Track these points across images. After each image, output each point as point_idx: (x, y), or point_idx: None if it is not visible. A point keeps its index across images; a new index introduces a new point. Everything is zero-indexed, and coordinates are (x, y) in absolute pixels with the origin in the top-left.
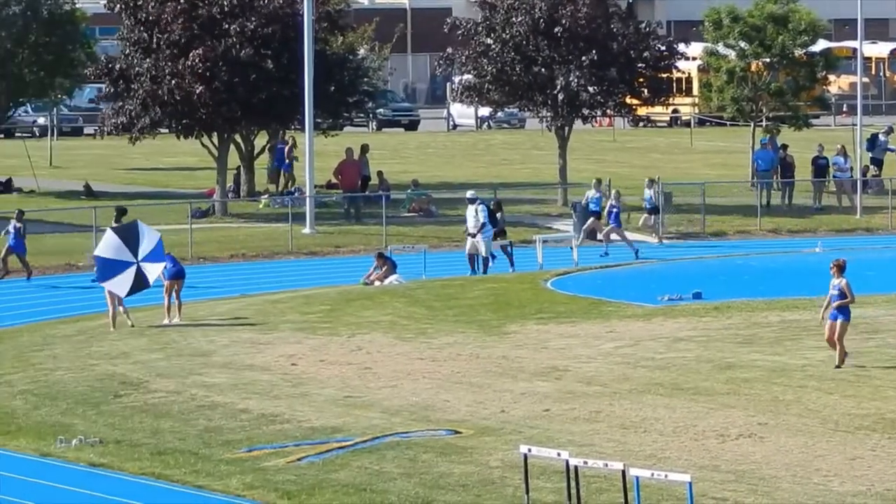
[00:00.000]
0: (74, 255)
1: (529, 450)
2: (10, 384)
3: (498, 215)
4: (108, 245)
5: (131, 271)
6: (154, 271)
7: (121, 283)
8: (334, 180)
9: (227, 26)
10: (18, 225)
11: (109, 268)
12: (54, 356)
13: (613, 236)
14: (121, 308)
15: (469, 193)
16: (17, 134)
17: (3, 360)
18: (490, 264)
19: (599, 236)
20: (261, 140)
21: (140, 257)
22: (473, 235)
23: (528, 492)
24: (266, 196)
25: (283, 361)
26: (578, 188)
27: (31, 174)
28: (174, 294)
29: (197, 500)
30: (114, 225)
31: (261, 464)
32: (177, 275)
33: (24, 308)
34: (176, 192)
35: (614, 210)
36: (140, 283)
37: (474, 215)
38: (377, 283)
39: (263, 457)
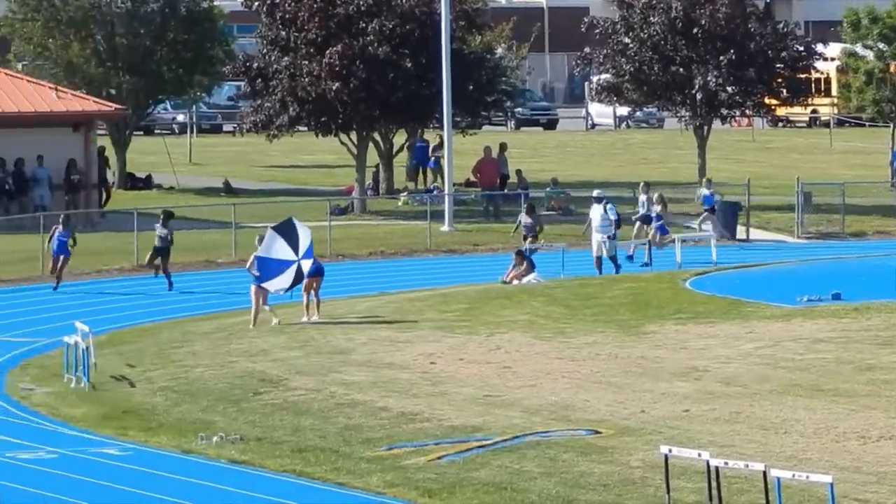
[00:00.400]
0: (214, 251)
1: (670, 450)
2: (151, 381)
3: (530, 219)
4: (270, 245)
5: (293, 269)
6: (307, 267)
7: (281, 282)
8: (473, 178)
9: (363, 25)
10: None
11: (271, 268)
12: (194, 353)
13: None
14: (266, 307)
15: (595, 192)
16: (156, 131)
17: (143, 357)
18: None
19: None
20: (399, 138)
21: (300, 255)
22: (613, 237)
23: (668, 492)
24: (405, 194)
25: (422, 360)
26: (719, 188)
27: (170, 171)
28: (313, 292)
29: (338, 497)
30: (272, 224)
31: (401, 462)
32: (316, 272)
33: (164, 305)
34: (315, 189)
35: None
36: (298, 279)
37: (603, 214)
38: (515, 282)
39: (404, 455)
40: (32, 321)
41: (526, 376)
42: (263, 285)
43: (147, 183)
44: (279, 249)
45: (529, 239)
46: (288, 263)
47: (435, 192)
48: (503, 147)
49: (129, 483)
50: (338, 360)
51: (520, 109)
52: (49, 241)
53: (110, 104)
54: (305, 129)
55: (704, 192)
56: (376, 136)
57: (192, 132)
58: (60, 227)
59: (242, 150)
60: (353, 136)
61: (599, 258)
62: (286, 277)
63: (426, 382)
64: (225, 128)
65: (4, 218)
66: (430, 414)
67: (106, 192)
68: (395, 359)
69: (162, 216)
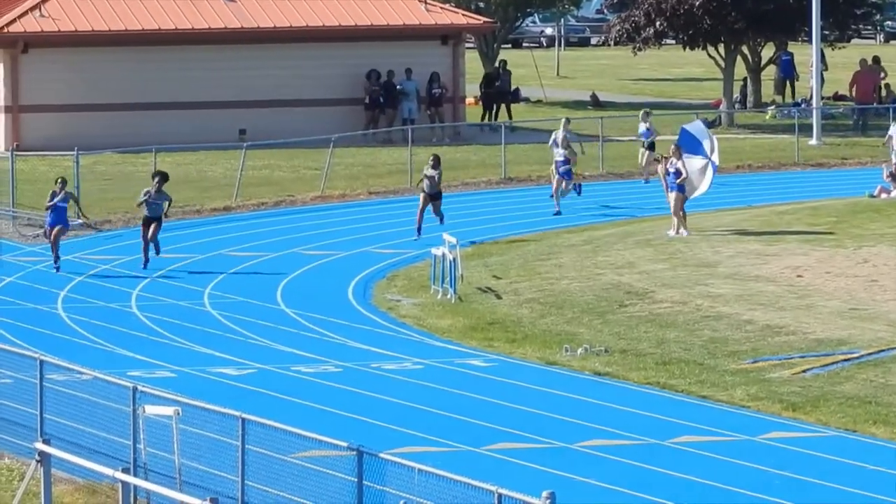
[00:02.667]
0: (581, 165)
1: None
2: (517, 293)
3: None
4: (695, 125)
5: (703, 161)
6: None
7: (694, 169)
8: (842, 91)
9: None
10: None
11: (691, 143)
12: (560, 265)
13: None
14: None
15: None
16: (524, 44)
17: (509, 269)
18: None
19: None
20: (767, 51)
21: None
22: None
23: None
24: (773, 107)
25: (789, 273)
26: None
27: (538, 84)
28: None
29: (702, 410)
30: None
31: (765, 375)
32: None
33: (530, 217)
34: (682, 102)
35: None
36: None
37: None
38: (883, 195)
39: (768, 368)
40: (400, 233)
41: (893, 290)
42: (694, 195)
43: (515, 96)
44: (700, 132)
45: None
46: (701, 151)
47: (803, 106)
48: (876, 60)
49: (493, 394)
50: (704, 272)
51: (889, 22)
52: (47, 209)
53: (479, 17)
54: (673, 42)
55: (641, 126)
56: (744, 49)
57: (559, 45)
58: (59, 192)
59: (610, 63)
60: (721, 49)
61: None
62: (697, 164)
63: (792, 295)
64: (592, 41)
65: (373, 132)
66: (795, 327)
67: (506, 107)
68: (761, 272)
69: (156, 178)
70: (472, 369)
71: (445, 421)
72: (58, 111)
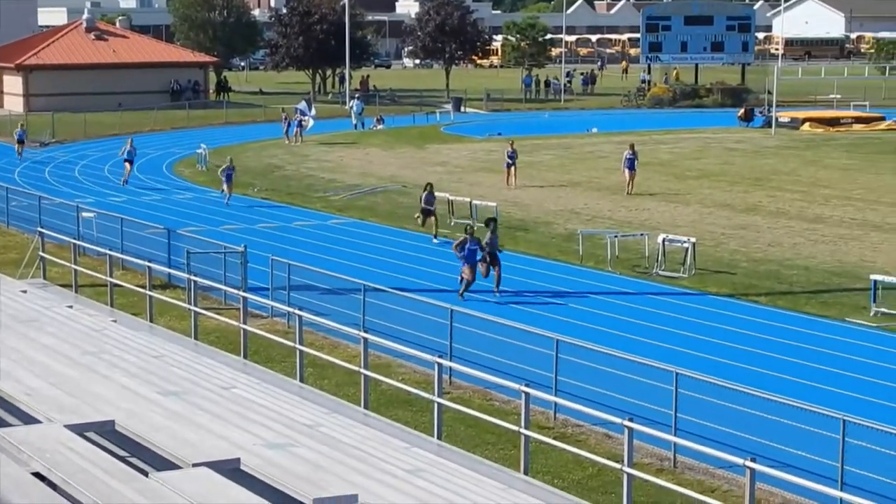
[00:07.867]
0: None
1: None
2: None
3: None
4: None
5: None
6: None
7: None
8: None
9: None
10: None
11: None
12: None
13: None
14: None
15: None
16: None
17: None
18: None
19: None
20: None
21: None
22: None
23: None
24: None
25: (338, 158)
26: None
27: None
28: None
29: (297, 212)
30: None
31: (328, 197)
32: None
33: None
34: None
35: None
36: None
37: None
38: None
39: (330, 196)
40: None
41: (380, 162)
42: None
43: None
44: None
45: None
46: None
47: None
48: None
49: None
50: (307, 158)
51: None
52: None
53: (214, 58)
54: (292, 68)
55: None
56: (320, 71)
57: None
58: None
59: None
60: (309, 72)
61: None
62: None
63: (341, 169)
64: (261, 67)
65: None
66: (339, 179)
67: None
68: (328, 157)
69: (490, 223)
70: None
71: None
72: None
